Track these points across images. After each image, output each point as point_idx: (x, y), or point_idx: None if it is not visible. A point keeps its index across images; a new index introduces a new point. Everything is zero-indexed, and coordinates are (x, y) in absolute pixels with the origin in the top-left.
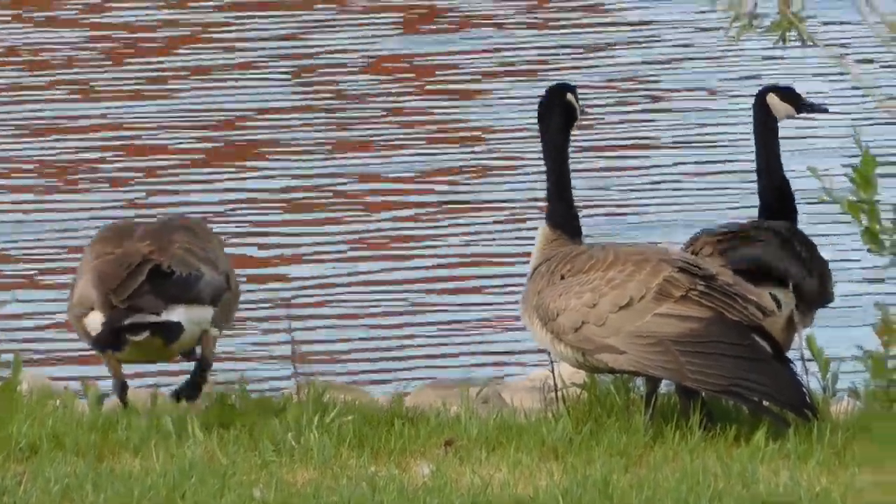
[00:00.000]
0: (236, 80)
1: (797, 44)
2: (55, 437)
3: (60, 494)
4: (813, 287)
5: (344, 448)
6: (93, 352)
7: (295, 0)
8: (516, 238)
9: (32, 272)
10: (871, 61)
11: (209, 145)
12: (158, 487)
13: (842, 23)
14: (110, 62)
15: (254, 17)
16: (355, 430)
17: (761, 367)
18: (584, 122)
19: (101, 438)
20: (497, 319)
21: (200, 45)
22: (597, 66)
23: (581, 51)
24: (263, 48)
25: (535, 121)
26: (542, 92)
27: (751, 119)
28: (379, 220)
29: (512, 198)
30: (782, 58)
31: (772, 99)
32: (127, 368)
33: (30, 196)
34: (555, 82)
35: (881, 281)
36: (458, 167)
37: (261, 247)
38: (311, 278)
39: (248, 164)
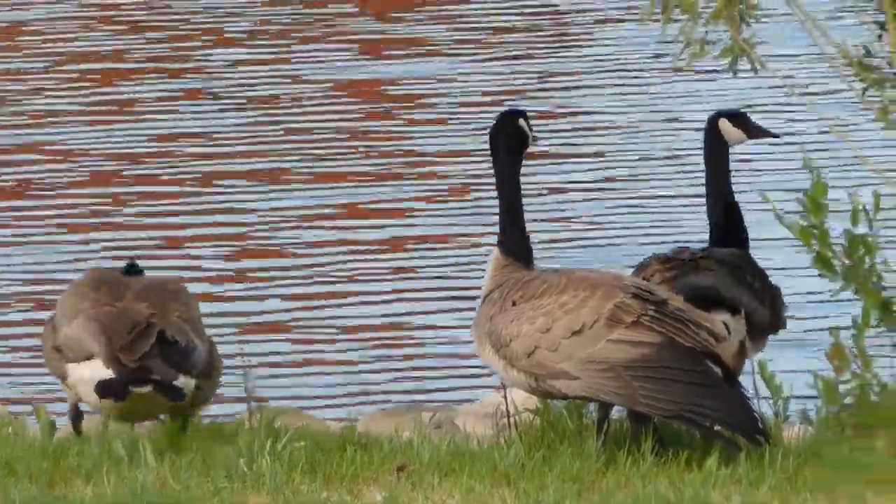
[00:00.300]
0: (187, 107)
1: (749, 70)
2: (7, 464)
3: None
4: (764, 316)
5: (296, 474)
6: (45, 370)
7: (249, 29)
8: (469, 264)
9: None
10: (815, 92)
11: (159, 171)
12: None
13: (794, 55)
14: (66, 88)
15: (205, 44)
16: (307, 456)
17: (713, 392)
18: (543, 149)
19: (53, 465)
20: (450, 345)
21: (153, 74)
22: (555, 92)
23: (540, 77)
24: (217, 76)
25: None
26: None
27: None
28: (333, 241)
29: (465, 224)
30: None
31: (723, 124)
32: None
33: None
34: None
35: (832, 305)
36: (410, 197)
37: (213, 279)
38: (265, 310)
39: (200, 193)
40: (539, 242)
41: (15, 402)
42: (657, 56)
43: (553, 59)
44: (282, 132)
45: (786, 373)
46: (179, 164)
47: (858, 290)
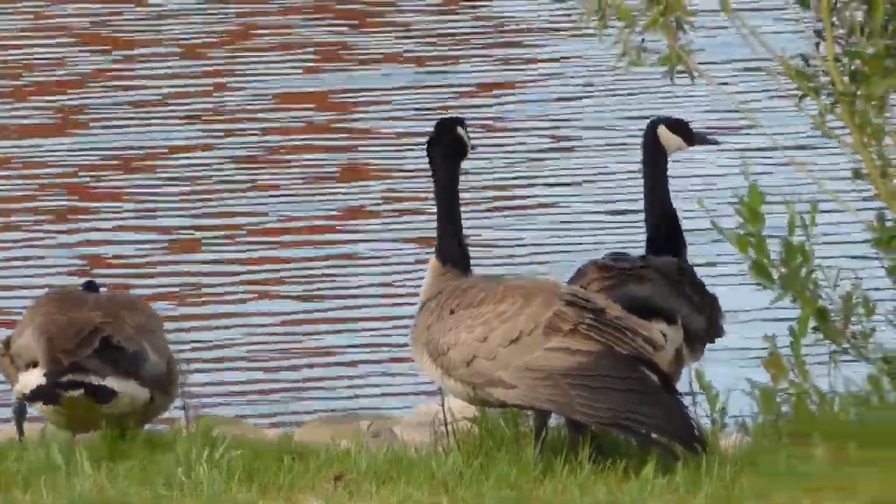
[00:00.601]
0: (140, 119)
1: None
2: None
3: None
4: (700, 324)
5: (233, 483)
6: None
7: (203, 41)
8: (406, 272)
9: None
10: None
11: (110, 184)
12: None
13: (734, 60)
14: (13, 99)
15: (159, 55)
16: (245, 464)
17: (650, 400)
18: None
19: None
20: (387, 354)
21: (102, 85)
22: (506, 103)
23: (488, 88)
24: (167, 87)
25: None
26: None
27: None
28: (269, 257)
29: (402, 234)
30: (679, 94)
31: (662, 131)
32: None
33: None
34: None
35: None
36: (357, 206)
37: (149, 284)
38: (202, 315)
39: (144, 202)
40: (484, 255)
41: None
42: (605, 67)
43: (497, 70)
44: (229, 145)
45: (723, 380)
46: (123, 177)
47: (795, 298)
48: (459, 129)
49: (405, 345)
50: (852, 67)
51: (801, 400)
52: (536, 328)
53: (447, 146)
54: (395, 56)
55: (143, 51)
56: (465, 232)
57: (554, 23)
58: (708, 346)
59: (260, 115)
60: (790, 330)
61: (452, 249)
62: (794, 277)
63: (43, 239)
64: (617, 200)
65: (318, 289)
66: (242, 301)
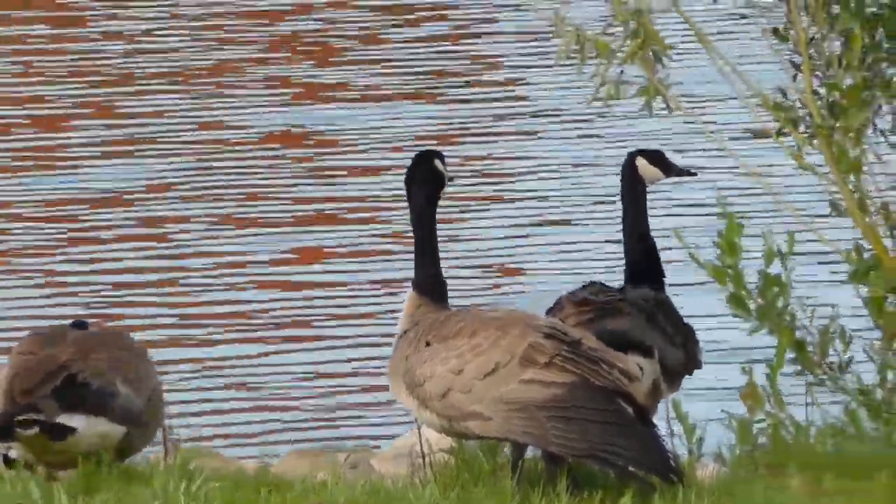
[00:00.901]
0: (131, 154)
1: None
2: None
3: None
4: (678, 357)
5: None
6: None
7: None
8: (384, 303)
9: None
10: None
11: (98, 221)
12: None
13: (710, 96)
14: None
15: (133, 89)
16: (222, 497)
17: (626, 431)
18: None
19: None
20: (364, 386)
21: (79, 121)
22: (481, 136)
23: (465, 121)
24: (144, 122)
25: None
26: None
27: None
28: (247, 291)
29: (385, 265)
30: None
31: (640, 162)
32: None
33: None
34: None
35: (748, 343)
36: (334, 241)
37: (128, 313)
38: (180, 348)
39: (126, 237)
40: (464, 286)
41: None
42: (583, 100)
43: (479, 104)
44: (215, 178)
45: (700, 410)
46: (112, 212)
47: (772, 329)
48: (437, 162)
49: (383, 376)
50: (830, 100)
51: (777, 431)
52: (512, 360)
53: (424, 178)
54: (376, 91)
55: (126, 87)
56: (446, 264)
57: (541, 56)
58: (685, 377)
59: (241, 151)
60: (767, 362)
61: (429, 280)
62: (770, 309)
63: (32, 274)
64: (601, 232)
65: (295, 322)
66: (220, 334)
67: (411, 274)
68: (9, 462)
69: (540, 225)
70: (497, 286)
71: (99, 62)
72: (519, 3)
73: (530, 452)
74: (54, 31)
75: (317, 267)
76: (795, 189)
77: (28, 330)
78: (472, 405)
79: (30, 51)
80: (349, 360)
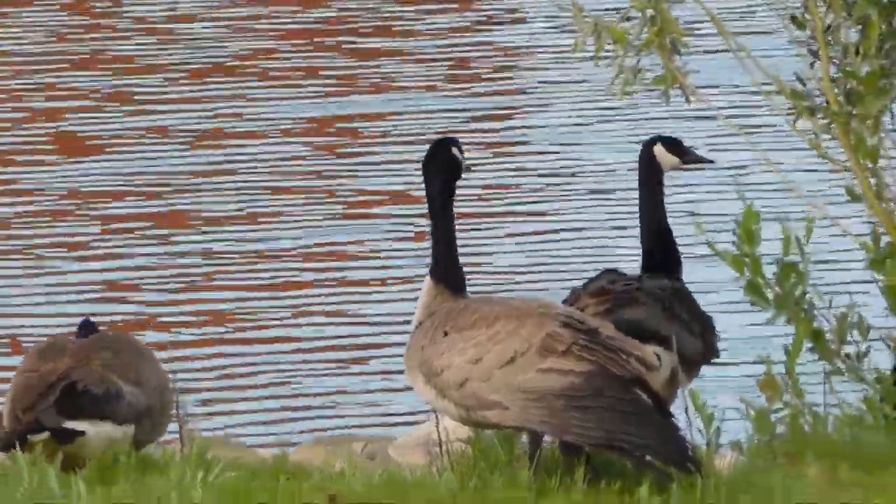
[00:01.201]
0: (148, 145)
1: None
2: None
3: None
4: (695, 347)
5: None
6: None
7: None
8: (403, 292)
9: None
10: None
11: (113, 211)
12: None
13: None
14: (16, 124)
15: (160, 79)
16: (239, 486)
17: (643, 420)
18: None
19: None
20: (383, 375)
21: (106, 110)
22: (507, 129)
23: (489, 113)
24: (175, 113)
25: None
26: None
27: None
28: (266, 282)
29: (401, 255)
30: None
31: (658, 149)
32: None
33: None
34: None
35: (765, 332)
36: (356, 232)
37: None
38: (197, 339)
39: (147, 230)
40: (482, 273)
41: None
42: (605, 90)
43: (499, 94)
44: (239, 171)
45: (718, 399)
46: (134, 203)
47: (790, 318)
48: (454, 150)
49: (400, 365)
50: (847, 87)
51: (795, 420)
52: (530, 349)
53: (441, 166)
54: (400, 81)
55: (152, 77)
56: (467, 254)
57: (559, 47)
58: (703, 367)
59: (264, 142)
60: (785, 350)
61: (447, 269)
62: (788, 297)
63: (51, 266)
64: (621, 221)
65: (313, 311)
66: (239, 324)
67: (425, 258)
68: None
69: (563, 215)
70: (517, 277)
71: (123, 51)
72: None
73: (548, 442)
74: (83, 20)
75: (336, 258)
76: (813, 177)
77: (47, 324)
78: (490, 394)
79: (56, 38)
80: (367, 349)
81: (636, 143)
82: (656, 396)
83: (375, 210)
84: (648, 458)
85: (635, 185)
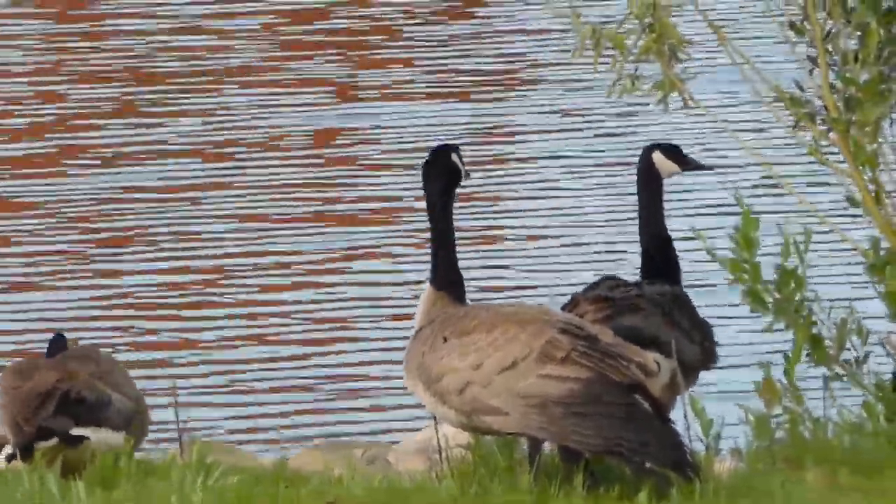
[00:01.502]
0: (160, 157)
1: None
2: None
3: None
4: (694, 353)
5: None
6: None
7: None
8: (403, 298)
9: None
10: (759, 130)
11: (129, 221)
12: None
13: (727, 92)
14: (31, 136)
15: (173, 90)
16: (239, 491)
17: (641, 426)
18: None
19: None
20: (383, 381)
21: (126, 118)
22: (508, 138)
23: (492, 123)
24: (175, 125)
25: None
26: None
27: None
28: (268, 285)
29: (403, 262)
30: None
31: (657, 157)
32: None
33: None
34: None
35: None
36: (356, 240)
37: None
38: (198, 344)
39: (148, 239)
40: (481, 280)
41: None
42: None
43: (504, 103)
44: (241, 180)
45: (717, 405)
46: (135, 215)
47: (789, 324)
48: (454, 156)
49: (400, 372)
50: (846, 94)
51: (794, 426)
52: (530, 355)
53: (441, 172)
54: (401, 90)
55: (165, 88)
56: (466, 262)
57: (563, 55)
58: (702, 373)
59: (266, 152)
60: (784, 356)
61: (446, 276)
62: (787, 303)
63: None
64: (620, 228)
65: (312, 318)
66: (238, 331)
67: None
68: (27, 456)
69: (561, 223)
70: (516, 284)
71: (124, 61)
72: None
73: (548, 447)
74: (88, 28)
75: (337, 265)
76: (813, 184)
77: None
78: (490, 400)
79: (61, 49)
80: (366, 355)
81: (637, 150)
82: (656, 402)
83: (377, 218)
84: (648, 463)
85: (634, 192)
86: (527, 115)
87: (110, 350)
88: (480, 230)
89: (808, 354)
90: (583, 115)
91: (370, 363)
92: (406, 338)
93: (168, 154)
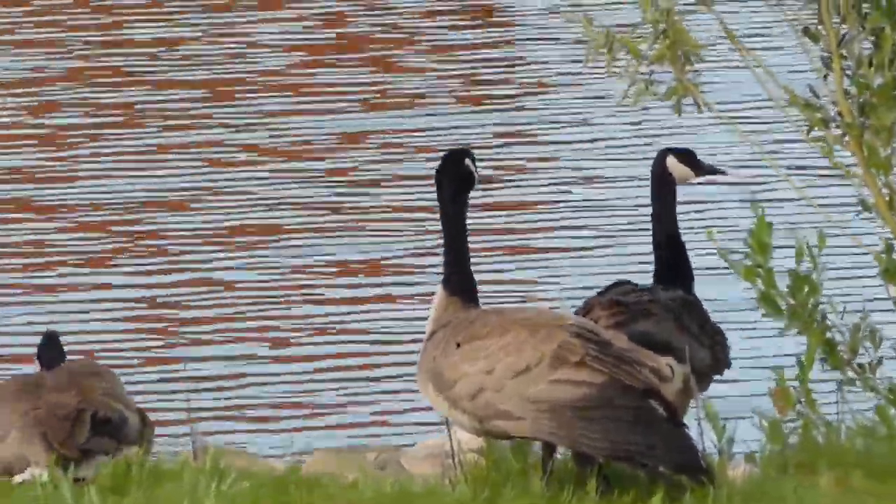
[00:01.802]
0: (182, 163)
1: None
2: None
3: None
4: (707, 359)
5: None
6: None
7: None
8: (416, 304)
9: None
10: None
11: (128, 228)
12: None
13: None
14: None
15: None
16: (252, 496)
17: (655, 431)
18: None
19: None
20: (395, 385)
21: (164, 124)
22: (526, 142)
23: (511, 129)
24: (197, 129)
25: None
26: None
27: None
28: (284, 291)
29: (418, 268)
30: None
31: (671, 161)
32: None
33: None
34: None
35: (778, 342)
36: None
37: (159, 318)
38: (211, 348)
39: (163, 246)
40: (493, 284)
41: None
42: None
43: (520, 110)
44: (260, 186)
45: (731, 410)
46: (152, 219)
47: (803, 329)
48: (467, 161)
49: (413, 376)
50: (860, 99)
51: (808, 431)
52: (543, 360)
53: (454, 177)
54: (419, 97)
55: (194, 93)
56: (479, 267)
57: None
58: (715, 378)
59: (286, 160)
60: (798, 361)
61: (459, 280)
62: (801, 308)
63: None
64: (633, 233)
65: (326, 323)
66: (252, 335)
67: (431, 265)
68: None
69: (574, 229)
70: (530, 289)
71: (145, 68)
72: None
73: (561, 452)
74: (104, 36)
75: (353, 272)
76: (826, 189)
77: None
78: (502, 405)
79: (78, 55)
80: (379, 359)
81: (652, 154)
82: (669, 406)
83: (392, 225)
84: (661, 468)
85: (648, 196)
86: (548, 122)
87: (133, 354)
88: (497, 235)
89: (821, 359)
90: (602, 122)
91: (383, 366)
92: (420, 343)
93: (190, 161)
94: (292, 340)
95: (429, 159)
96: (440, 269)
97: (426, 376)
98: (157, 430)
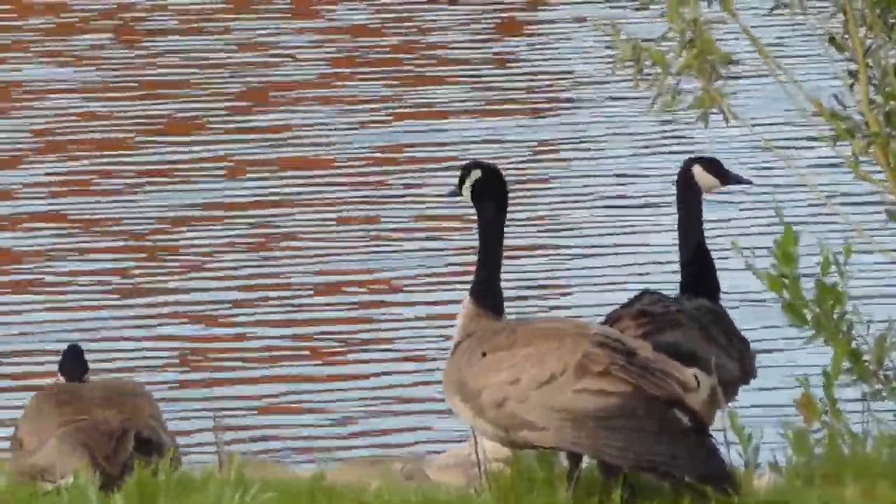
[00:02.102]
0: (210, 174)
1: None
2: None
3: None
4: (733, 370)
5: None
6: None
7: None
8: (441, 315)
9: None
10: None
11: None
12: None
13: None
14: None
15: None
16: None
17: (680, 441)
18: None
19: None
20: (421, 394)
21: (191, 137)
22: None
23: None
24: (215, 143)
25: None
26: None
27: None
28: (305, 296)
29: (442, 281)
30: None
31: (696, 170)
32: None
33: None
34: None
35: (803, 353)
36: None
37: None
38: (237, 357)
39: (189, 258)
40: (521, 295)
41: None
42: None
43: (543, 121)
44: (284, 199)
45: (757, 420)
46: (178, 232)
47: (828, 340)
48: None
49: (439, 387)
50: (886, 109)
51: (833, 441)
52: (567, 370)
53: (495, 190)
54: (446, 108)
55: (200, 104)
56: (505, 277)
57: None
58: (741, 388)
59: (315, 169)
60: (823, 371)
61: (487, 291)
62: (826, 318)
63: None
64: (660, 243)
65: (353, 334)
66: (279, 346)
67: (459, 278)
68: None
69: (599, 238)
70: (558, 301)
71: (158, 77)
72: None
73: (587, 462)
74: (121, 49)
75: (380, 282)
76: (852, 199)
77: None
78: (527, 415)
79: (99, 68)
80: (405, 367)
81: (678, 164)
82: (695, 416)
83: (416, 237)
84: (686, 478)
85: (674, 206)
86: (575, 131)
87: (159, 362)
88: (522, 246)
89: (847, 370)
90: (629, 132)
91: (410, 373)
92: (445, 354)
93: (220, 171)
94: (319, 351)
95: (447, 171)
96: (467, 281)
97: (452, 386)
98: (183, 440)
